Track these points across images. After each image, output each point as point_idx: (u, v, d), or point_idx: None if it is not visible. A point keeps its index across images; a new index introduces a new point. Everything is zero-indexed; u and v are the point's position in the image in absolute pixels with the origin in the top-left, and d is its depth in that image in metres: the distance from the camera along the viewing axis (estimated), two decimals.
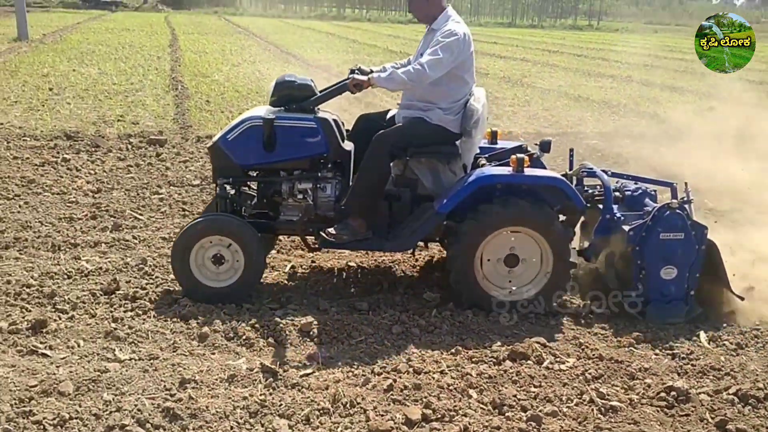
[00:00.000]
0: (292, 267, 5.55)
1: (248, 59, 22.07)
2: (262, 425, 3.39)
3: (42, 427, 3.26)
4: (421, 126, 4.77)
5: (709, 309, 4.80)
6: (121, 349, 4.04)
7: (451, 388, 3.78)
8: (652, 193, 5.18)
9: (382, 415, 3.49)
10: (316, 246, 5.01)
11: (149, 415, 3.37)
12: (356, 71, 4.96)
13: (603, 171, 5.09)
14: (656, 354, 4.31)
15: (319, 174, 4.86)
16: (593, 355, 4.20)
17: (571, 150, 5.47)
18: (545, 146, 5.03)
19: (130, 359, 3.94)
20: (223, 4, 75.18)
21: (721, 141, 10.28)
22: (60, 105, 11.97)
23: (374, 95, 13.90)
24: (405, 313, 4.65)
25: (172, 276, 5.19)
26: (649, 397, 3.78)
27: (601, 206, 4.99)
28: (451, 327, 4.55)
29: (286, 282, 5.28)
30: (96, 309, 4.52)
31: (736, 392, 3.81)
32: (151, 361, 3.92)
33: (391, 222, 4.92)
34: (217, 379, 3.75)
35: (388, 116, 5.11)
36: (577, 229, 5.14)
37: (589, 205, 4.99)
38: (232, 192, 4.93)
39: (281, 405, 3.53)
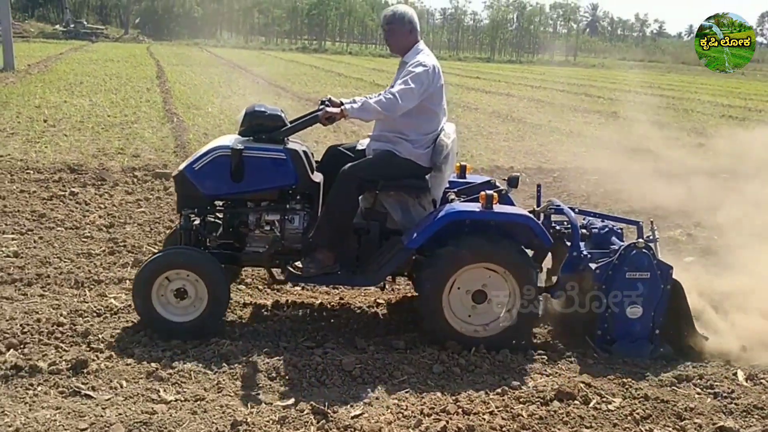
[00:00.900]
0: (320, 304, 5.52)
1: (238, 92, 22.11)
2: None
3: None
4: (391, 159, 4.76)
5: (674, 348, 4.82)
6: (165, 390, 3.97)
7: (504, 430, 3.76)
8: (619, 231, 5.20)
9: None
10: (282, 279, 5.00)
11: None
12: (326, 102, 4.96)
13: (570, 208, 5.14)
14: (698, 393, 4.32)
15: (287, 205, 4.82)
16: (638, 394, 4.20)
17: (539, 186, 5.52)
18: (513, 182, 4.99)
19: (176, 400, 3.88)
20: (203, 36, 75.54)
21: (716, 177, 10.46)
22: (58, 137, 11.87)
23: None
24: (443, 351, 4.62)
25: None
26: None
27: (568, 243, 5.00)
28: (491, 366, 4.53)
29: (317, 319, 5.24)
30: (133, 348, 4.44)
31: None
32: (198, 402, 3.86)
33: (360, 256, 4.88)
34: (268, 421, 3.70)
35: (358, 148, 5.09)
36: (544, 265, 5.13)
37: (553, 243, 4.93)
38: (197, 222, 4.87)
39: None
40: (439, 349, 4.66)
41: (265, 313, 5.28)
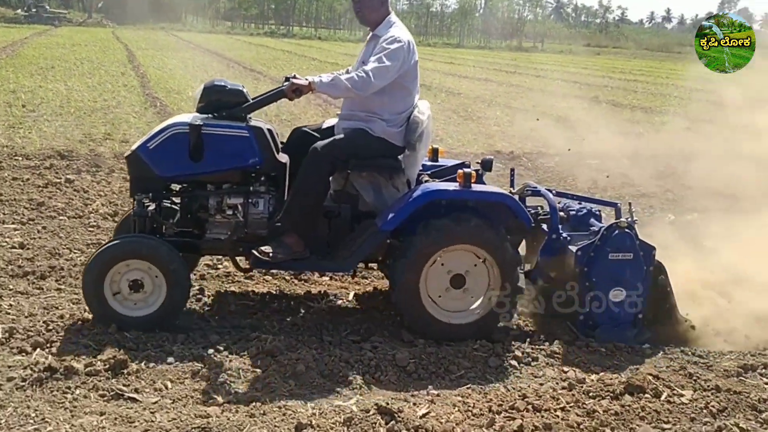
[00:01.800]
0: (355, 295, 5.26)
1: (215, 76, 21.57)
2: None
3: None
4: (363, 137, 4.49)
5: (656, 332, 4.68)
6: (215, 391, 3.69)
7: (582, 427, 3.56)
8: (597, 213, 5.03)
9: None
10: (248, 267, 4.71)
11: None
12: (291, 79, 4.53)
13: (548, 190, 4.95)
14: (766, 382, 4.16)
15: (251, 188, 4.47)
16: (708, 386, 4.02)
17: (512, 170, 5.30)
18: (487, 165, 4.80)
19: (229, 402, 3.60)
20: (168, 21, 74.13)
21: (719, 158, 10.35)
22: (40, 122, 11.39)
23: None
24: (497, 343, 4.41)
25: (234, 305, 4.89)
26: None
27: (545, 226, 4.81)
28: (548, 358, 4.34)
29: (354, 311, 4.99)
30: (171, 345, 4.13)
31: None
32: (254, 404, 3.58)
33: (330, 240, 4.60)
34: (334, 423, 3.43)
35: (325, 127, 4.81)
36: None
37: (533, 225, 4.78)
38: (152, 207, 4.51)
39: None
40: (490, 341, 4.44)
41: (299, 304, 5.01)
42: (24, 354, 3.94)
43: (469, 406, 3.70)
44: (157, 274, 4.23)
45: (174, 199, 4.63)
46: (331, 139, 4.46)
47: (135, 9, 70.13)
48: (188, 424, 3.34)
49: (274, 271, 5.49)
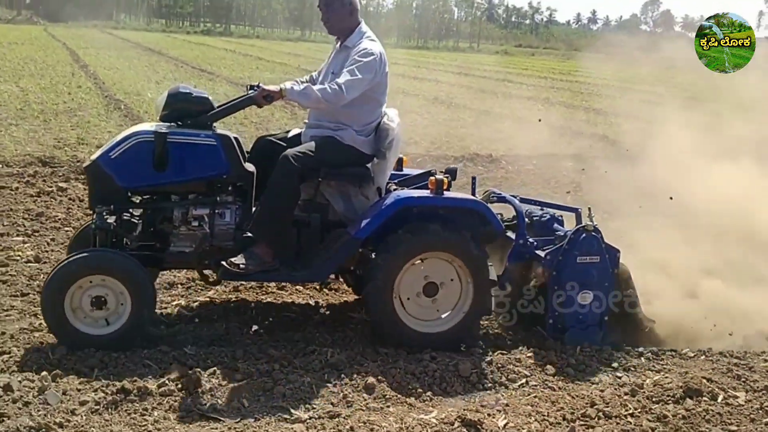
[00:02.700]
0: None
1: (168, 76, 21.24)
2: None
3: None
4: (333, 146, 4.44)
5: (621, 333, 4.84)
6: (293, 407, 3.66)
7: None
8: (560, 218, 5.11)
9: None
10: (215, 280, 4.59)
11: None
12: (255, 87, 4.47)
13: (512, 196, 5.03)
14: None
15: (218, 198, 4.34)
16: (757, 387, 4.19)
17: (474, 177, 5.26)
18: (452, 173, 4.79)
19: (311, 418, 3.58)
20: (101, 18, 72.21)
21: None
22: (4, 126, 10.99)
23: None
24: (546, 351, 4.50)
25: (278, 317, 4.85)
26: None
27: (510, 233, 4.85)
28: (599, 363, 4.45)
29: None
30: (236, 362, 4.07)
31: None
32: (336, 419, 3.57)
33: (300, 250, 4.50)
34: None
35: (291, 136, 4.74)
36: None
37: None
38: (111, 220, 4.30)
39: None
40: (544, 348, 4.53)
41: (343, 315, 5.01)
42: (85, 376, 3.82)
43: (543, 416, 3.77)
44: (122, 290, 4.05)
45: (136, 210, 4.46)
46: (302, 146, 4.42)
47: (66, 6, 67.96)
48: None
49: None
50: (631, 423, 3.74)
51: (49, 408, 3.47)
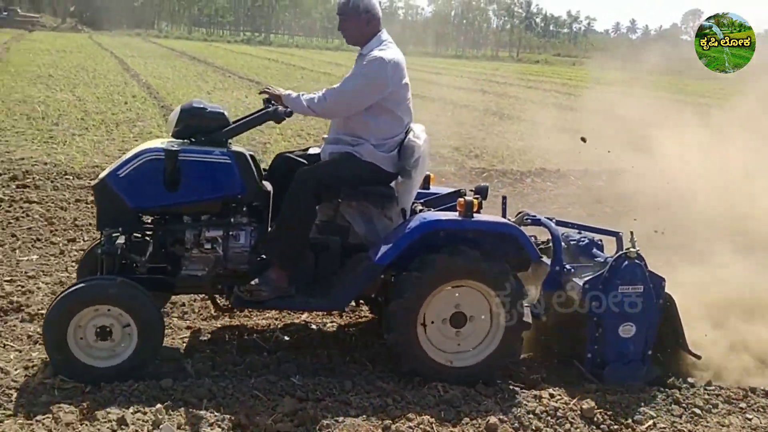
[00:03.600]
0: None
1: (218, 87, 21.31)
2: None
3: None
4: (351, 163, 4.17)
5: (665, 368, 4.50)
6: None
7: None
8: (599, 242, 4.75)
9: None
10: (228, 306, 4.39)
11: None
12: (272, 103, 4.29)
13: (548, 219, 4.67)
14: None
15: (232, 219, 4.11)
16: None
17: (504, 197, 4.89)
18: (483, 192, 4.55)
19: None
20: (143, 26, 73.24)
21: None
22: (68, 136, 11.04)
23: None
24: (670, 390, 4.23)
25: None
26: None
27: (545, 258, 4.52)
28: (726, 404, 4.17)
29: None
30: (344, 394, 3.86)
31: None
32: None
33: (318, 275, 4.23)
34: None
35: (310, 153, 4.52)
36: None
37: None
38: (120, 242, 4.07)
39: None
40: (666, 387, 4.27)
41: None
42: (194, 407, 3.64)
43: None
44: (128, 321, 3.83)
45: (146, 232, 4.23)
46: (319, 163, 4.23)
47: (109, 14, 69.01)
48: None
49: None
50: None
51: None
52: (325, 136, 4.47)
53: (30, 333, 4.45)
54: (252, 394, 3.81)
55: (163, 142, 4.12)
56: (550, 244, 4.51)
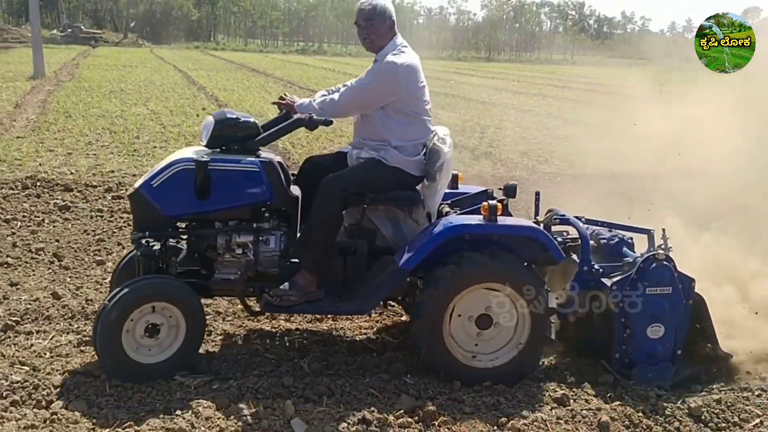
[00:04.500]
0: None
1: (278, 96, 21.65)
2: None
3: None
4: (377, 168, 4.26)
5: (696, 368, 4.48)
6: None
7: None
8: (629, 240, 4.77)
9: None
10: (259, 310, 4.45)
11: None
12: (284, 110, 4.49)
13: (577, 217, 4.69)
14: None
15: (262, 225, 4.23)
16: None
17: (537, 193, 4.94)
18: (511, 191, 4.57)
19: None
20: (201, 39, 74.84)
21: None
22: (154, 151, 11.39)
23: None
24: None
25: None
26: None
27: (574, 256, 4.54)
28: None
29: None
30: (457, 393, 4.04)
31: None
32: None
33: (346, 279, 4.34)
34: None
35: (338, 155, 4.62)
36: None
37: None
38: (156, 247, 4.20)
39: None
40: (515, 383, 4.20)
41: None
42: (315, 403, 3.86)
43: None
44: (176, 316, 4.00)
45: (180, 237, 4.38)
46: (345, 170, 4.32)
47: (168, 28, 70.78)
48: None
49: None
50: None
51: None
52: (350, 142, 4.59)
53: None
54: (368, 392, 4.02)
55: (195, 151, 4.23)
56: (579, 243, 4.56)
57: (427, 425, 3.70)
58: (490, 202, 4.19)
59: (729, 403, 4.08)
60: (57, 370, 4.09)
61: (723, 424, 3.93)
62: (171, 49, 59.96)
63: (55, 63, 32.10)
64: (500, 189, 4.66)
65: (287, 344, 4.71)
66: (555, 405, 3.98)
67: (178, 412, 3.68)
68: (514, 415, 3.82)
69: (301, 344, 4.72)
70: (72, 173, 9.39)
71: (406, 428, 3.66)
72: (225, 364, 4.32)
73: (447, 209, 4.59)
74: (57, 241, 6.67)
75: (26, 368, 4.07)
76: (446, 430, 3.68)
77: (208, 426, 3.55)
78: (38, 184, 8.60)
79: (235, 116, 4.24)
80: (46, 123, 13.58)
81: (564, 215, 4.69)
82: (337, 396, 3.96)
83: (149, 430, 3.53)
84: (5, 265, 5.90)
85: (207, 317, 4.72)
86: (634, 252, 4.67)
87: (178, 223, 4.34)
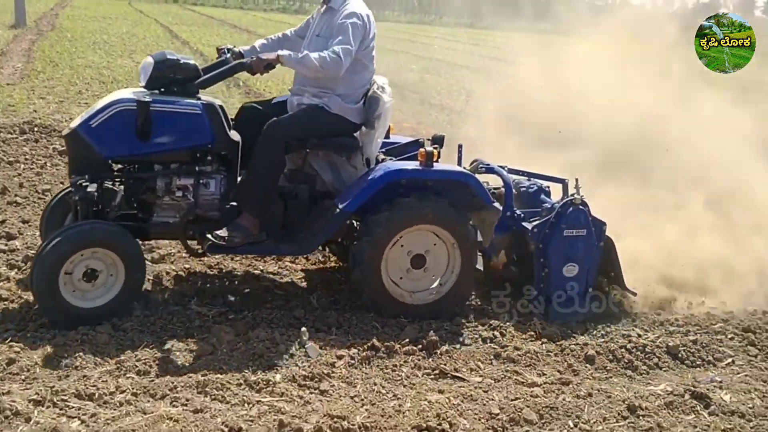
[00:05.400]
0: None
1: None
2: None
3: None
4: (320, 115, 4.39)
5: (604, 306, 4.84)
6: (523, 372, 3.94)
7: None
8: (547, 189, 5.14)
9: None
10: (201, 251, 4.49)
11: None
12: (225, 51, 4.59)
13: (500, 167, 5.01)
14: None
15: (202, 168, 4.26)
16: None
17: (460, 145, 5.16)
18: (439, 141, 4.78)
19: (545, 383, 3.84)
20: None
21: None
22: None
23: None
24: (746, 333, 4.65)
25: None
26: None
27: (497, 204, 4.73)
28: None
29: None
30: (458, 328, 4.38)
31: None
32: (568, 385, 3.82)
33: (286, 222, 4.47)
34: (659, 406, 3.67)
35: (275, 102, 4.68)
36: None
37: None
38: (93, 190, 4.12)
39: None
40: (744, 330, 4.67)
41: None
42: (325, 333, 4.19)
43: (763, 393, 3.94)
44: (114, 261, 3.99)
45: (116, 180, 4.37)
46: (288, 115, 4.40)
47: None
48: (520, 400, 3.61)
49: None
50: None
51: (310, 360, 3.84)
52: (290, 88, 4.65)
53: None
54: (373, 325, 4.34)
55: (134, 92, 4.19)
56: (503, 190, 4.89)
57: (430, 353, 4.02)
58: (427, 148, 4.40)
59: (704, 344, 4.44)
60: None
61: (698, 362, 4.29)
62: (149, 3, 58.82)
63: (33, 13, 31.54)
64: (429, 139, 4.87)
65: (294, 283, 4.98)
66: (545, 340, 4.32)
67: (199, 336, 3.96)
68: (508, 347, 4.16)
69: (309, 283, 5.00)
70: (66, 120, 9.49)
71: (411, 355, 3.98)
72: (238, 299, 4.60)
73: (382, 157, 4.74)
74: (61, 183, 6.84)
75: None
76: (448, 357, 4.01)
77: (229, 348, 3.84)
78: (35, 129, 8.72)
79: (175, 57, 4.23)
80: (34, 72, 13.53)
81: (489, 164, 5.00)
82: (345, 327, 4.27)
83: (174, 350, 3.82)
84: (15, 204, 6.10)
85: (218, 256, 4.99)
86: (551, 199, 5.02)
87: (115, 166, 4.32)
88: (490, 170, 4.98)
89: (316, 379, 3.63)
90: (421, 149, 4.41)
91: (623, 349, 4.28)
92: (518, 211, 4.85)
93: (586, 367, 4.08)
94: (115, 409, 3.21)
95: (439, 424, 3.29)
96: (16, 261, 4.82)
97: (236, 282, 4.93)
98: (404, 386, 3.70)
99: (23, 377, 3.45)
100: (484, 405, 3.54)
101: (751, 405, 3.78)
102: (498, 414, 3.45)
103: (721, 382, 4.05)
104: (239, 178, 4.38)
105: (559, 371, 4.00)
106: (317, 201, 4.53)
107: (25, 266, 4.71)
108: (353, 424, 3.22)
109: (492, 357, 4.08)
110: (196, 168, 4.25)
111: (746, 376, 4.16)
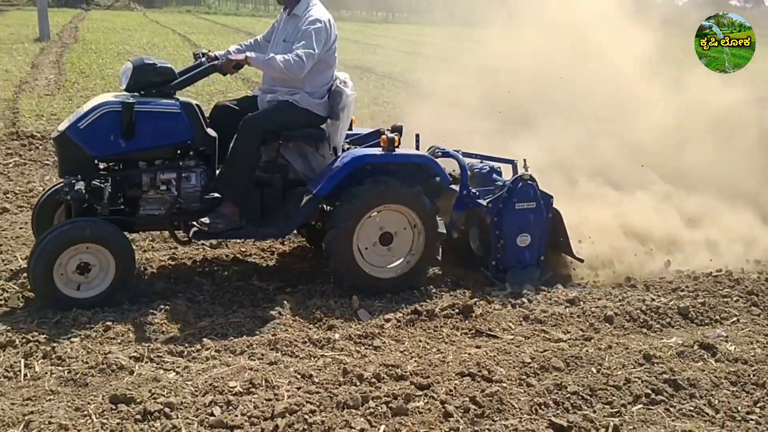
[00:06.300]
0: None
1: None
2: None
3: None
4: (290, 109, 4.77)
5: (555, 271, 5.35)
6: (546, 331, 4.47)
7: None
8: (498, 169, 5.58)
9: None
10: (186, 239, 4.81)
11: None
12: (200, 55, 4.97)
13: (456, 151, 5.42)
14: None
15: (183, 163, 4.61)
16: None
17: (417, 135, 5.50)
18: (399, 130, 5.10)
19: (568, 339, 4.36)
20: (194, 3, 74.37)
21: None
22: None
23: None
24: (749, 296, 5.14)
25: None
26: None
27: (454, 186, 5.22)
28: None
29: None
30: (487, 295, 4.93)
31: None
32: (591, 341, 4.33)
33: (264, 209, 4.84)
34: (671, 355, 4.17)
35: (245, 100, 5.06)
36: None
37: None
38: (82, 188, 4.43)
39: None
40: (749, 293, 5.17)
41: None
42: (371, 300, 4.75)
43: (764, 344, 4.43)
44: (106, 255, 4.30)
45: (104, 178, 4.61)
46: (261, 111, 4.79)
47: None
48: (548, 351, 4.11)
49: None
50: None
51: (363, 322, 4.40)
52: (260, 87, 5.06)
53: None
54: (413, 294, 4.92)
55: (116, 95, 4.52)
56: (459, 174, 5.32)
57: (465, 316, 4.56)
58: (389, 134, 4.81)
59: (711, 305, 4.94)
60: (155, 276, 4.91)
61: (707, 321, 4.80)
62: (163, 13, 59.74)
63: (54, 26, 32.38)
64: (389, 129, 5.21)
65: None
66: (568, 304, 4.84)
67: (264, 305, 4.52)
68: (536, 310, 4.69)
69: None
70: None
71: (449, 318, 4.53)
72: (290, 276, 5.16)
73: (347, 146, 5.15)
74: None
75: None
76: (482, 319, 4.55)
77: (291, 314, 4.40)
78: None
79: (152, 62, 4.57)
80: (68, 82, 14.19)
81: (445, 149, 5.45)
82: (389, 297, 4.81)
83: (243, 317, 4.37)
84: None
85: (266, 241, 5.54)
86: (502, 178, 5.52)
87: (101, 165, 4.65)
88: (446, 154, 5.41)
89: (370, 337, 4.18)
90: (383, 135, 4.82)
91: (639, 311, 4.78)
92: (474, 190, 5.27)
93: (605, 325, 4.59)
94: (203, 363, 3.77)
95: (480, 371, 3.81)
96: None
97: (287, 261, 5.49)
98: (446, 343, 4.24)
99: (119, 341, 4.01)
100: (517, 356, 4.05)
101: (753, 354, 4.27)
102: (530, 363, 3.97)
103: (726, 336, 4.54)
104: (218, 171, 4.78)
105: (581, 329, 4.52)
106: (291, 188, 4.95)
107: None
108: (406, 371, 3.76)
109: (521, 318, 4.60)
110: (179, 163, 4.63)
111: (750, 331, 4.65)
